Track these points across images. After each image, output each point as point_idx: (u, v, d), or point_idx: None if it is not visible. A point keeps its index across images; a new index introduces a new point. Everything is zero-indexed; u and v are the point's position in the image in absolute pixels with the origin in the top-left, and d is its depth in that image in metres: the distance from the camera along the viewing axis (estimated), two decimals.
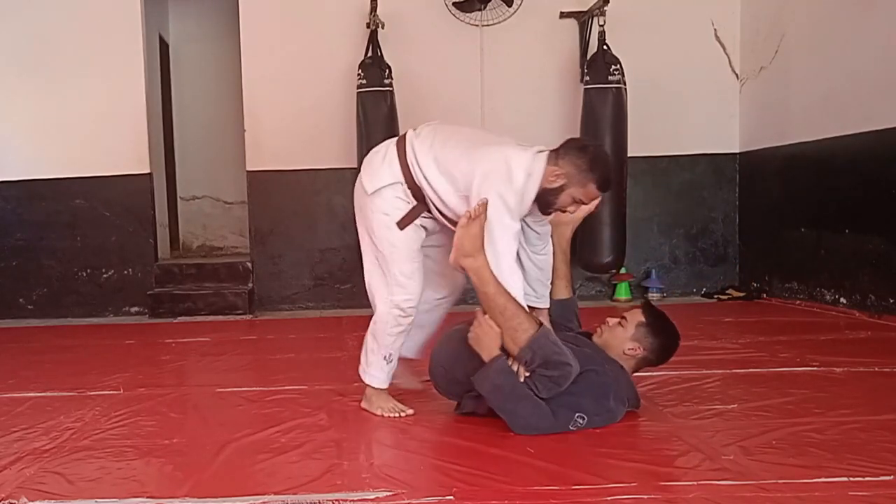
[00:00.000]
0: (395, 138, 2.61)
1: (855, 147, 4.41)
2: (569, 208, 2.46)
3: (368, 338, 2.63)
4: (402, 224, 2.51)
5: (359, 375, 2.60)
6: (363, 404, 2.65)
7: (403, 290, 2.52)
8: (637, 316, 2.47)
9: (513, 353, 2.28)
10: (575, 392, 2.28)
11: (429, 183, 2.46)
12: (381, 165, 2.53)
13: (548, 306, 2.69)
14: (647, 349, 2.44)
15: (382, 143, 2.65)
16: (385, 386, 2.63)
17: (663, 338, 2.46)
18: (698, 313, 4.70)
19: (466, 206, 2.36)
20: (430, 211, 2.53)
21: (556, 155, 2.42)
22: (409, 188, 2.49)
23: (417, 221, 2.53)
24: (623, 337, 2.45)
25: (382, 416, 2.56)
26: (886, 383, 2.85)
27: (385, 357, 2.59)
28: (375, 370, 2.61)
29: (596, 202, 2.51)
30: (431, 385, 2.67)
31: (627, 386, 2.43)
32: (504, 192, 2.33)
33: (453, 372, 2.47)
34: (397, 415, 2.55)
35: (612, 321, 2.49)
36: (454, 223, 2.42)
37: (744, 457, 2.06)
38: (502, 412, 2.29)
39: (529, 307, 2.44)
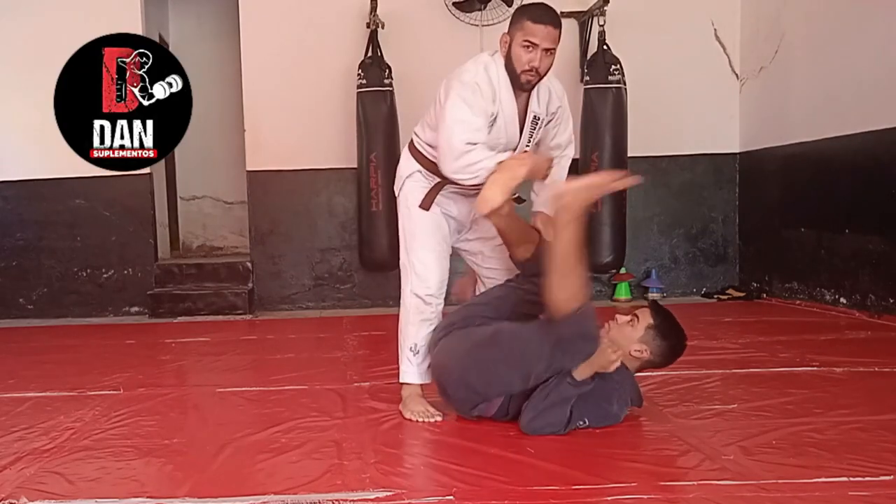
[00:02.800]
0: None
1: (855, 147, 4.41)
2: (531, 62, 2.38)
3: (399, 337, 2.63)
4: (425, 203, 2.55)
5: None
6: (400, 406, 2.58)
7: (419, 278, 2.54)
8: (647, 317, 2.41)
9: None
10: (582, 396, 2.28)
11: (435, 147, 2.50)
12: (400, 167, 2.66)
13: (542, 210, 2.62)
14: (653, 352, 2.40)
15: None
16: (415, 381, 2.57)
17: (671, 342, 2.41)
18: (698, 313, 4.70)
19: None
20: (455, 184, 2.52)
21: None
22: (427, 171, 2.56)
23: (441, 211, 2.56)
24: (631, 337, 2.39)
25: (414, 420, 2.48)
26: (886, 383, 2.85)
27: (411, 348, 2.56)
28: (404, 364, 2.59)
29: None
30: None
31: (632, 387, 2.42)
32: (459, 89, 2.39)
33: (469, 383, 2.40)
34: (427, 420, 2.47)
35: (622, 319, 2.44)
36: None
37: (744, 457, 2.06)
38: (540, 411, 2.26)
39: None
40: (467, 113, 2.37)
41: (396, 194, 2.66)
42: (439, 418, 2.47)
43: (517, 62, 2.40)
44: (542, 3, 2.44)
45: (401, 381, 2.61)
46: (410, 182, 2.59)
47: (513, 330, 2.40)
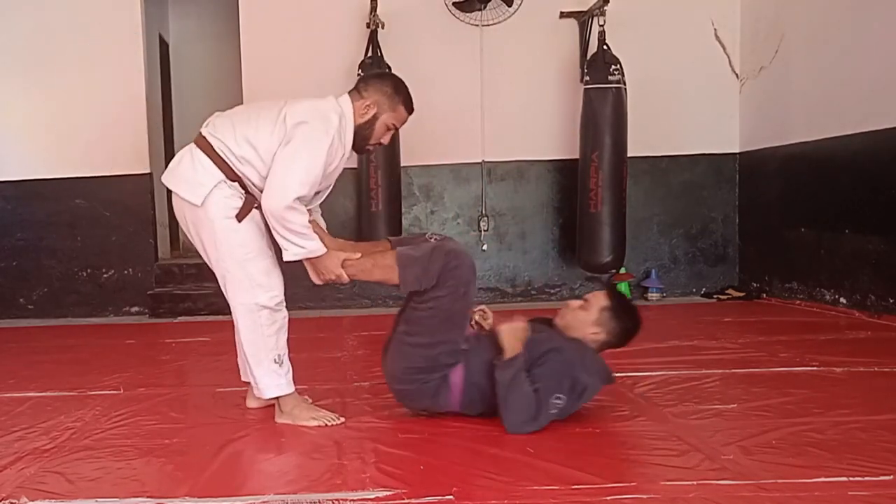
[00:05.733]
0: (189, 145, 2.52)
1: (855, 147, 4.41)
2: (384, 139, 2.53)
3: (247, 353, 2.51)
4: (241, 216, 2.43)
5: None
6: (281, 419, 2.53)
7: (264, 288, 2.47)
8: (600, 299, 2.45)
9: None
10: (543, 375, 2.29)
11: (251, 165, 2.41)
12: (194, 171, 2.43)
13: None
14: (609, 333, 2.44)
15: (178, 154, 2.55)
16: (291, 390, 2.54)
17: (625, 321, 2.45)
18: (698, 313, 4.70)
19: None
20: (258, 200, 2.47)
21: (357, 91, 2.51)
22: (231, 182, 2.43)
23: (255, 217, 2.46)
24: (586, 321, 2.44)
25: (321, 426, 2.46)
26: (886, 383, 2.85)
27: (275, 360, 2.50)
28: (272, 379, 2.51)
29: None
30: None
31: (593, 359, 2.41)
32: (320, 138, 2.37)
33: (412, 369, 2.42)
34: (330, 423, 2.47)
35: (575, 303, 2.48)
36: None
37: (743, 456, 2.06)
38: (504, 403, 2.28)
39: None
40: (316, 164, 2.37)
41: (197, 203, 2.41)
42: (342, 420, 2.49)
43: (374, 135, 2.50)
44: (408, 89, 2.53)
45: (271, 396, 2.52)
46: (219, 193, 2.41)
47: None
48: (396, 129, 2.56)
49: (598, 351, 2.47)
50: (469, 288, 2.33)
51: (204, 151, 2.44)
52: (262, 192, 2.42)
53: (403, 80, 2.56)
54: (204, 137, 2.47)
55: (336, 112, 2.43)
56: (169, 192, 2.57)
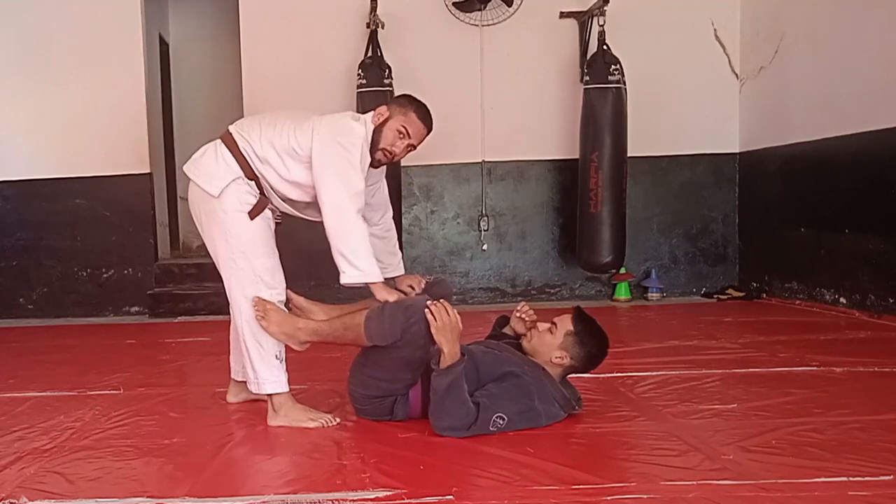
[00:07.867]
0: (215, 140, 2.56)
1: (855, 147, 4.41)
2: (395, 146, 2.51)
3: (250, 348, 2.51)
4: (253, 214, 2.48)
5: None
6: (275, 422, 2.51)
7: (268, 285, 2.49)
8: (567, 324, 2.43)
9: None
10: (495, 394, 2.30)
11: (271, 166, 2.47)
12: (216, 165, 2.49)
13: (401, 273, 2.75)
14: (573, 358, 2.41)
15: (203, 147, 2.59)
16: (287, 389, 2.54)
17: (591, 347, 2.42)
18: (698, 313, 4.70)
19: (310, 175, 2.42)
20: (272, 203, 2.54)
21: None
22: (249, 180, 2.49)
23: (266, 216, 2.53)
24: (551, 344, 2.42)
25: (320, 426, 2.47)
26: (886, 383, 2.85)
27: (276, 356, 2.52)
28: (273, 374, 2.51)
29: None
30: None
31: (552, 388, 2.39)
32: (347, 143, 2.41)
33: (373, 392, 2.46)
34: (328, 423, 2.48)
35: (543, 326, 2.46)
36: (297, 205, 2.53)
37: (743, 456, 2.06)
38: (438, 408, 2.28)
39: (385, 279, 2.53)
40: (355, 175, 2.40)
41: (214, 193, 2.47)
42: (338, 420, 2.51)
43: (384, 138, 2.50)
44: (428, 109, 2.57)
45: (270, 391, 2.52)
46: (236, 188, 2.47)
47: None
48: (414, 147, 2.56)
49: (563, 375, 2.45)
50: (427, 339, 2.31)
51: (228, 148, 2.51)
52: (277, 195, 2.51)
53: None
54: (230, 134, 2.53)
55: (361, 123, 2.50)
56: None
